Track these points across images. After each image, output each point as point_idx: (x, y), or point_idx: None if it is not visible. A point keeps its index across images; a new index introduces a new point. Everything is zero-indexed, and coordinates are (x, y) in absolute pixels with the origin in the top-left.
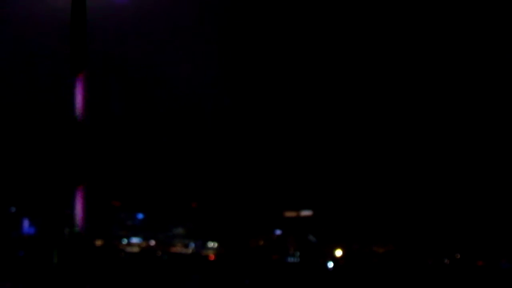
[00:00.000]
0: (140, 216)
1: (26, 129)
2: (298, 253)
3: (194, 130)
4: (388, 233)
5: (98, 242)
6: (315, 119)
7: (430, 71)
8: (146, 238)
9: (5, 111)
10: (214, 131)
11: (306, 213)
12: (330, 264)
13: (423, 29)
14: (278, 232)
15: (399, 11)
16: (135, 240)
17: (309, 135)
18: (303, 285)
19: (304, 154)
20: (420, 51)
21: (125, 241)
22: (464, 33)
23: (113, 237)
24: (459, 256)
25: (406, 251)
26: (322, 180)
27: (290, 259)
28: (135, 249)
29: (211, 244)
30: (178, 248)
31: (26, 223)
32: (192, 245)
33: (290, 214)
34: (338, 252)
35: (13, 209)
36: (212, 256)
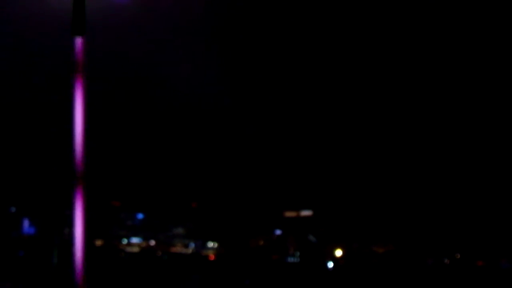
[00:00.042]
0: (140, 216)
1: (26, 129)
2: (298, 253)
3: (194, 130)
4: (388, 233)
5: (98, 242)
6: (315, 119)
7: (430, 71)
8: (146, 238)
9: (5, 111)
10: (214, 131)
11: (306, 213)
12: (330, 264)
13: (423, 29)
14: (278, 232)
15: (399, 11)
16: (135, 240)
17: (309, 135)
18: (303, 285)
19: (304, 154)
20: (420, 51)
21: (125, 241)
22: (464, 33)
23: (113, 237)
24: (459, 256)
25: (406, 251)
26: (322, 180)
27: (290, 259)
28: (135, 249)
29: (211, 244)
30: (178, 248)
31: (26, 223)
32: (192, 245)
33: (290, 214)
34: (338, 252)
35: (13, 209)
36: (212, 256)
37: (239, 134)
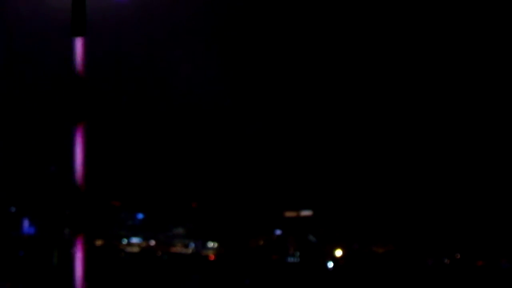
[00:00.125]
0: (140, 216)
1: (26, 130)
2: (298, 253)
3: (194, 130)
4: (388, 233)
5: (98, 242)
6: (315, 119)
7: (430, 71)
8: (146, 238)
9: (5, 111)
10: (214, 131)
11: (306, 213)
12: (330, 264)
13: (423, 29)
14: (278, 232)
15: (399, 11)
16: (135, 240)
17: (309, 135)
18: (303, 285)
19: (304, 154)
20: (420, 51)
21: (125, 241)
22: (464, 33)
23: (113, 237)
24: (459, 256)
25: (406, 251)
26: (322, 180)
27: (290, 259)
28: (135, 249)
29: (211, 244)
30: (178, 248)
31: (26, 223)
32: (192, 245)
33: (290, 214)
34: (338, 252)
35: (13, 209)
36: (212, 256)
37: (239, 134)
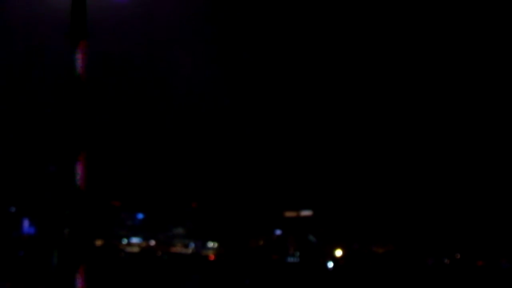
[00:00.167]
0: (140, 216)
1: (26, 130)
2: (298, 253)
3: (194, 130)
4: (388, 233)
5: (98, 242)
6: (315, 119)
7: (430, 71)
8: (146, 238)
9: (5, 112)
10: (214, 131)
11: (306, 213)
12: (330, 264)
13: (423, 29)
14: (278, 232)
15: (399, 11)
16: (135, 240)
17: (309, 135)
18: (303, 285)
19: (304, 154)
20: (420, 51)
21: (125, 241)
22: (464, 33)
23: (113, 237)
24: (459, 256)
25: (406, 251)
26: (322, 180)
27: (290, 259)
28: (135, 249)
29: (211, 244)
30: (178, 248)
31: (26, 223)
32: (192, 245)
33: (290, 214)
34: (338, 252)
35: (13, 209)
36: (212, 256)
37: (239, 134)
